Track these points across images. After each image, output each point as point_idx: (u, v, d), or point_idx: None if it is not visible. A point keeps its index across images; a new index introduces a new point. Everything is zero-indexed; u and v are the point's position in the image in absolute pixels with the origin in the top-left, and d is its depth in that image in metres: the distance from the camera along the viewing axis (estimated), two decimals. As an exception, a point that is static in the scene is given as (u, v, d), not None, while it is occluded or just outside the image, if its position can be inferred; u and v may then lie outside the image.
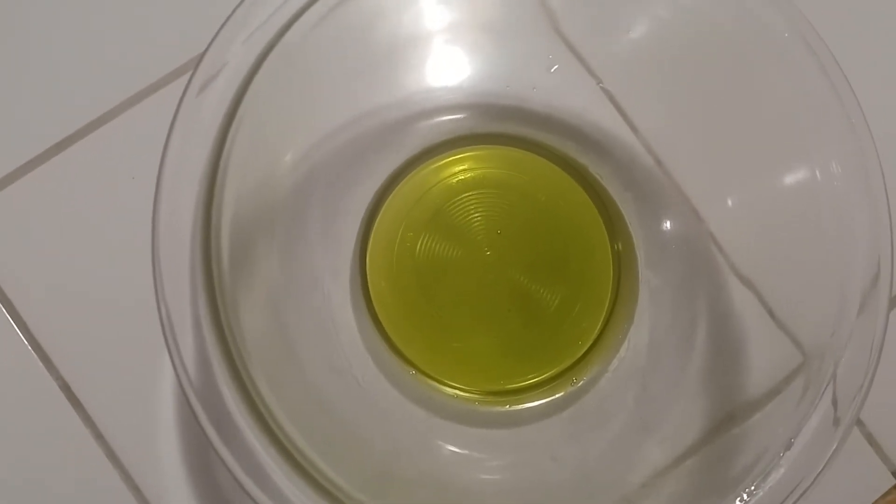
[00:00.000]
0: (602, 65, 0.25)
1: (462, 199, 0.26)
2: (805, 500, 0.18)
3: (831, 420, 0.19)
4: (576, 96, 0.25)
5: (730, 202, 0.23)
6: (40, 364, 0.25)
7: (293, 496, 0.17)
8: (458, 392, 0.25)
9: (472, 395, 0.25)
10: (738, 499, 0.18)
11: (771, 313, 0.23)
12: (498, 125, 0.26)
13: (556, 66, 0.25)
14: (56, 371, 0.25)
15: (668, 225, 0.25)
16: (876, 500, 0.26)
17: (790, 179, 0.22)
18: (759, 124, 0.22)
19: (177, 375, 0.18)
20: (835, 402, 0.19)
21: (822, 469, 0.18)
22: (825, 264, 0.21)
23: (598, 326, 0.25)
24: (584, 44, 0.25)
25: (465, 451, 0.24)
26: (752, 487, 0.18)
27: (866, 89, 0.21)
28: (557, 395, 0.25)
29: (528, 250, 0.26)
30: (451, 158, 0.27)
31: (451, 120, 0.26)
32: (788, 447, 0.18)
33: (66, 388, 0.25)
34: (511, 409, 0.25)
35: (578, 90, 0.25)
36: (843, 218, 0.20)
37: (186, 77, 0.27)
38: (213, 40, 0.19)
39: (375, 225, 0.26)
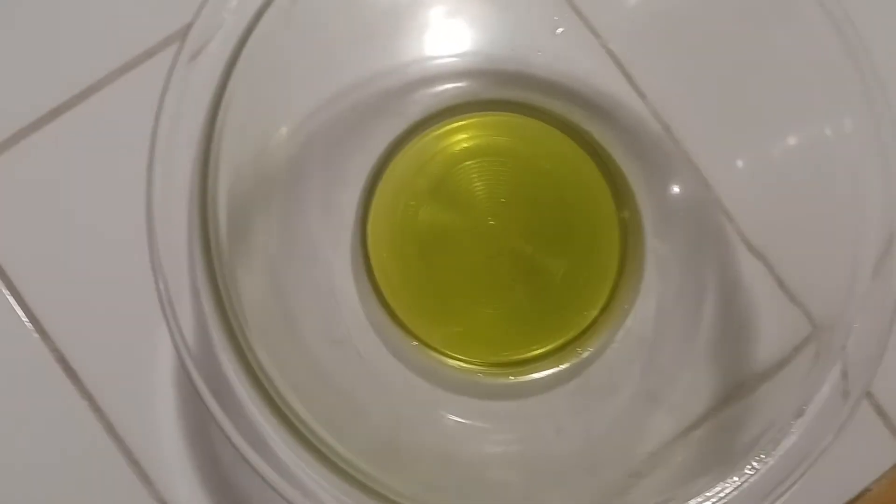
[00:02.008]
0: (608, 26, 0.24)
1: (465, 167, 0.26)
2: (811, 472, 0.18)
3: (841, 390, 0.19)
4: (582, 60, 0.25)
5: (739, 164, 0.23)
6: (35, 335, 0.25)
7: (295, 466, 0.17)
8: (461, 363, 0.25)
9: (475, 367, 0.25)
10: (748, 466, 0.18)
11: (781, 283, 0.22)
12: (501, 91, 0.26)
13: (561, 29, 0.24)
14: (52, 342, 0.25)
15: (676, 192, 0.25)
16: (885, 472, 0.26)
17: (801, 140, 0.21)
18: (769, 84, 0.22)
19: (175, 347, 0.17)
20: (845, 373, 0.19)
21: (835, 436, 0.18)
22: (837, 231, 0.20)
23: (605, 296, 0.25)
24: (589, 5, 0.24)
25: (470, 423, 0.23)
26: (763, 455, 0.18)
27: (880, 46, 0.20)
28: (562, 367, 0.24)
29: (533, 219, 0.25)
30: (453, 126, 0.26)
31: (453, 86, 0.26)
32: (800, 414, 0.18)
33: (61, 360, 0.25)
34: (515, 380, 0.24)
35: (584, 54, 0.25)
36: (856, 181, 0.20)
37: (178, 45, 0.27)
38: (202, 5, 0.19)
39: (376, 194, 0.25)
